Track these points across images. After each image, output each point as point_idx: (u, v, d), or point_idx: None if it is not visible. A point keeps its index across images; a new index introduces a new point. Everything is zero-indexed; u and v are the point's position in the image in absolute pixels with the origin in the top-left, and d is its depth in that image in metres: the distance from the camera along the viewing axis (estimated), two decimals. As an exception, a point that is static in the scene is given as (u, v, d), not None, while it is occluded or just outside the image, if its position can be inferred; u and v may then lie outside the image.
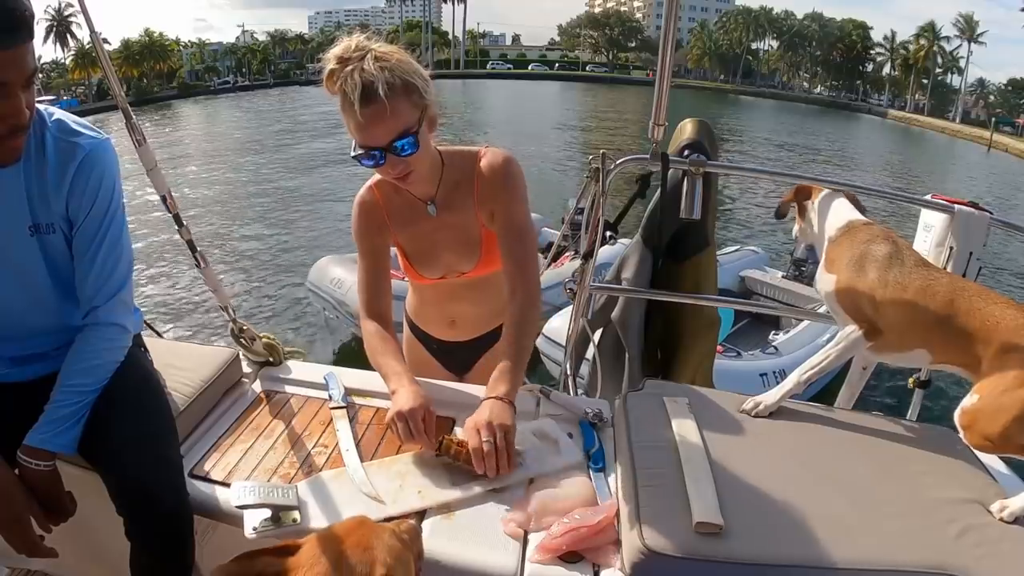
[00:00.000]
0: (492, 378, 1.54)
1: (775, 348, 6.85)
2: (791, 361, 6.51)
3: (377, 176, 1.68)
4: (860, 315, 1.59)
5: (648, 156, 2.15)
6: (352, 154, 1.53)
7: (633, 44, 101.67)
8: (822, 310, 1.96)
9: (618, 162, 2.21)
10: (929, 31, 74.28)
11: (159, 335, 2.44)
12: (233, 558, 0.91)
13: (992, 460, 1.53)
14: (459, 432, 1.62)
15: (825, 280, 1.69)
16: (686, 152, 2.26)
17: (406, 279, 1.98)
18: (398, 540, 0.97)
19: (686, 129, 2.36)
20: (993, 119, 56.38)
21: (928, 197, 2.14)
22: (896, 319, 1.54)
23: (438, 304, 1.99)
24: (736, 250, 9.56)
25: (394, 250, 1.84)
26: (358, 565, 0.88)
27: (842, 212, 1.77)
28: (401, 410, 1.45)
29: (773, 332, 7.20)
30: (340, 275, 7.50)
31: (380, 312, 1.72)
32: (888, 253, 1.58)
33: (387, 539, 0.95)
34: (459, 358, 2.09)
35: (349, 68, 1.43)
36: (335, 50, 1.46)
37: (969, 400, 1.41)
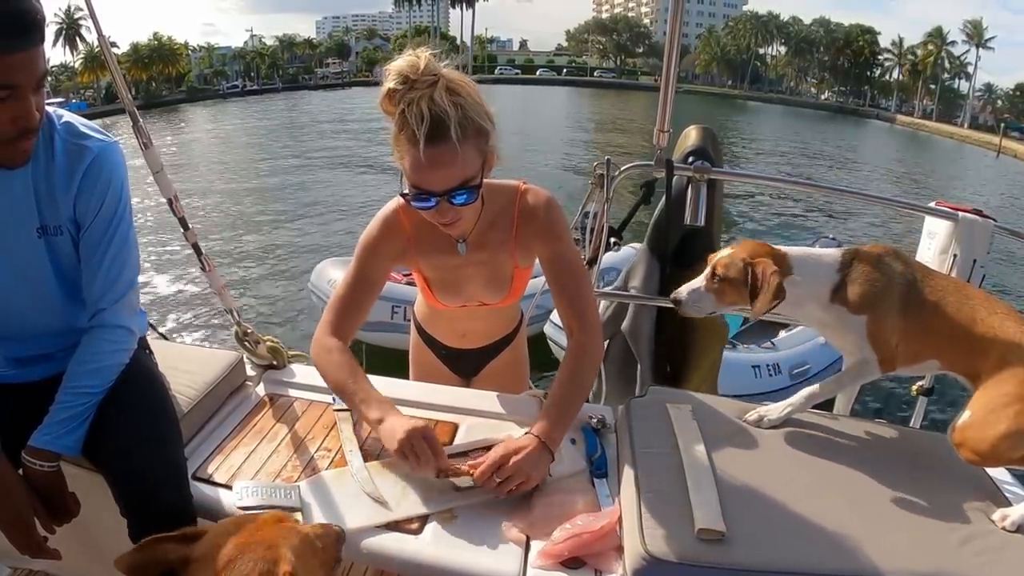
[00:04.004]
0: (545, 412, 1.46)
1: (772, 343, 6.84)
2: (785, 357, 6.53)
3: None
4: (886, 348, 1.53)
5: (653, 163, 2.15)
6: (401, 191, 1.43)
7: (641, 50, 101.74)
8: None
9: (623, 168, 2.21)
10: (937, 36, 74.19)
11: (164, 338, 2.45)
12: (136, 546, 0.92)
13: (995, 468, 1.52)
14: (462, 433, 1.63)
15: (852, 323, 1.54)
16: (690, 159, 2.26)
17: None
18: (307, 545, 0.96)
19: (690, 136, 2.35)
20: (1002, 124, 56.12)
21: (932, 204, 2.14)
22: (914, 338, 1.53)
23: (451, 320, 1.95)
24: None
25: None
26: (259, 562, 0.87)
27: (825, 256, 1.58)
28: (402, 440, 1.35)
29: (784, 331, 7.14)
30: (338, 277, 7.50)
31: (344, 336, 1.56)
32: (903, 272, 1.53)
33: (295, 541, 0.93)
34: (467, 364, 2.07)
35: (415, 94, 1.29)
36: (399, 64, 1.31)
37: (961, 418, 1.41)
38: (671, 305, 2.32)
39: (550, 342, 6.55)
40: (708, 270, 1.58)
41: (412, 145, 1.31)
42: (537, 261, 1.67)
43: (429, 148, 1.29)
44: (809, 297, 1.56)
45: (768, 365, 6.40)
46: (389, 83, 1.32)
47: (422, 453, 1.35)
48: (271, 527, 0.94)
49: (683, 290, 1.61)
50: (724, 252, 1.58)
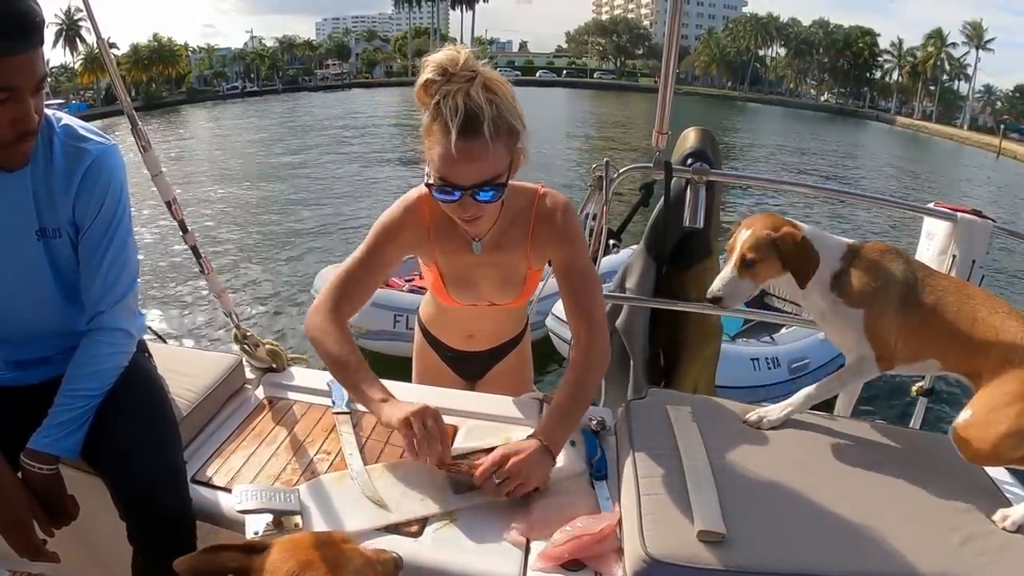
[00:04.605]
0: (549, 416, 1.47)
1: (771, 338, 6.86)
2: (785, 351, 6.54)
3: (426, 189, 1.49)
4: (884, 346, 1.54)
5: (651, 164, 2.15)
6: (426, 181, 1.42)
7: (640, 51, 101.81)
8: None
9: (621, 171, 2.21)
10: (936, 37, 74.20)
11: (163, 340, 2.45)
12: (198, 551, 0.92)
13: (995, 469, 1.52)
14: (461, 435, 1.63)
15: (849, 317, 1.54)
16: (689, 161, 2.26)
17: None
18: (369, 568, 0.95)
19: (689, 138, 2.35)
20: (1002, 126, 56.08)
21: (931, 205, 2.14)
22: (913, 338, 1.53)
23: (458, 320, 1.95)
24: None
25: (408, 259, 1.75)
26: None
27: (832, 239, 1.60)
28: (412, 412, 1.35)
29: (784, 328, 7.14)
30: None
31: (344, 314, 1.53)
32: (904, 271, 1.52)
33: (358, 563, 0.92)
34: (473, 366, 2.07)
35: (453, 87, 1.31)
36: (438, 57, 1.33)
37: (962, 417, 1.40)
38: (666, 307, 2.33)
39: (552, 335, 6.56)
40: (736, 257, 1.57)
41: (444, 136, 1.31)
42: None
43: (461, 141, 1.30)
44: (815, 277, 1.56)
45: (767, 358, 6.39)
46: (427, 74, 1.33)
47: (426, 433, 1.35)
48: (335, 547, 0.93)
49: (716, 287, 1.59)
50: (744, 235, 1.57)
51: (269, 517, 1.29)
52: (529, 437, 1.42)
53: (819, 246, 1.56)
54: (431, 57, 1.34)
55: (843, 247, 1.57)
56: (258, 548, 0.92)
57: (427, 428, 1.35)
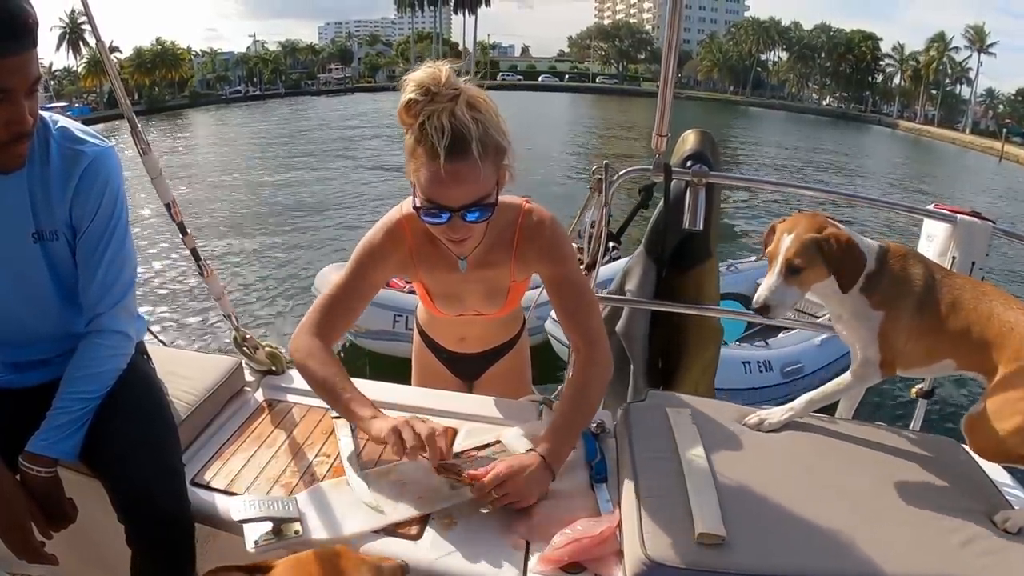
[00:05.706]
0: (551, 430, 1.45)
1: (765, 342, 6.89)
2: (777, 355, 6.56)
3: (409, 208, 1.49)
4: (891, 351, 1.53)
5: (651, 167, 2.15)
6: (415, 204, 1.39)
7: (643, 56, 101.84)
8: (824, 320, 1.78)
9: (621, 173, 2.21)
10: (939, 41, 74.18)
11: (162, 343, 2.44)
12: (204, 573, 0.91)
13: (996, 470, 1.52)
14: (461, 437, 1.62)
15: (870, 319, 1.53)
16: (689, 163, 2.26)
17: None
18: None
19: (688, 140, 2.35)
20: (1004, 130, 56.01)
21: (930, 207, 2.13)
22: (927, 338, 1.52)
23: (448, 325, 1.95)
24: (758, 258, 9.57)
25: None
26: None
27: (866, 240, 1.55)
28: (399, 423, 1.34)
29: (782, 332, 7.16)
30: None
31: (328, 339, 1.52)
32: (924, 274, 1.51)
33: (365, 573, 0.93)
34: (468, 367, 2.07)
35: (436, 106, 1.27)
36: (418, 75, 1.29)
37: (975, 408, 1.40)
38: (667, 309, 2.32)
39: (551, 339, 6.55)
40: (780, 263, 1.48)
41: (431, 159, 1.29)
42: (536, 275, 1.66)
43: (449, 163, 1.27)
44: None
45: (759, 362, 6.43)
46: (408, 94, 1.30)
47: (419, 440, 1.33)
48: (338, 561, 0.94)
49: (762, 296, 1.49)
50: (786, 240, 1.48)
51: (269, 525, 1.29)
52: (530, 451, 1.41)
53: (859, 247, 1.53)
54: (411, 76, 1.30)
55: (875, 248, 1.54)
56: (262, 569, 0.92)
57: (417, 433, 1.34)
